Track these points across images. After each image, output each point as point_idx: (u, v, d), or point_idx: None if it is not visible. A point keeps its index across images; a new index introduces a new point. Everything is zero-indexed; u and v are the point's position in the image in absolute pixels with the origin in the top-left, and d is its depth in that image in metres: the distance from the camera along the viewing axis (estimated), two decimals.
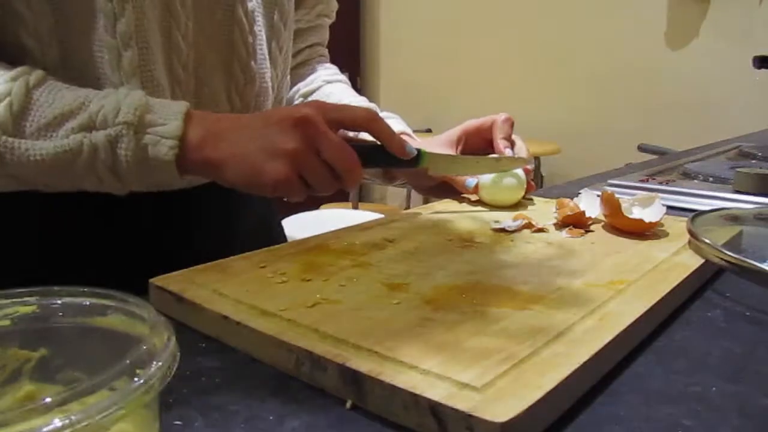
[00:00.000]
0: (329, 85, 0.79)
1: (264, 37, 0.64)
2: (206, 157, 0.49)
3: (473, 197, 0.75)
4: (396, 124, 0.76)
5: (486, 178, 0.70)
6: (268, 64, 0.65)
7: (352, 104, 0.76)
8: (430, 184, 0.75)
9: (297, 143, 0.48)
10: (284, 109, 0.50)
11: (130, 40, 0.52)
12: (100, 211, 0.58)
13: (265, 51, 0.65)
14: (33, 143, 0.47)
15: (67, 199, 0.56)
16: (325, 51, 0.86)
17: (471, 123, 0.75)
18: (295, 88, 0.80)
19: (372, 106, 0.78)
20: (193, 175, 0.51)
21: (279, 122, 0.49)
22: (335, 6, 0.82)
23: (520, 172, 0.71)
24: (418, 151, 0.57)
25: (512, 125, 0.74)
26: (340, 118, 0.51)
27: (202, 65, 0.60)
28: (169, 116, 0.48)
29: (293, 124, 0.49)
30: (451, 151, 0.74)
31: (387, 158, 0.56)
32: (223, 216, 0.68)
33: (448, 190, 0.75)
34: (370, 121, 0.53)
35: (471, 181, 0.72)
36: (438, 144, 0.74)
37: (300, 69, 0.81)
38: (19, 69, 0.48)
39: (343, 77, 0.84)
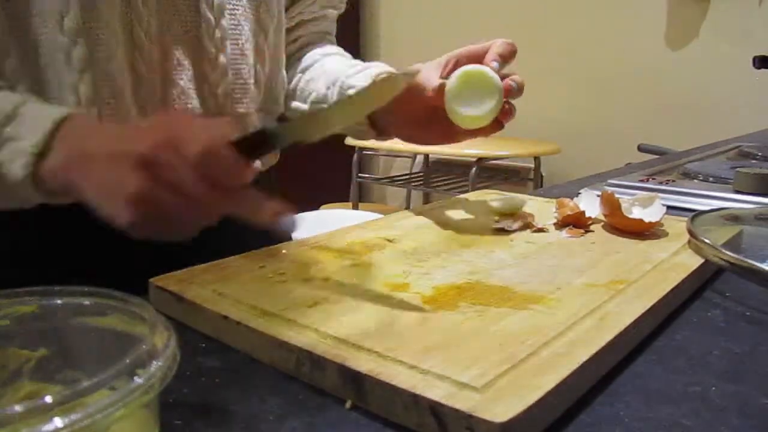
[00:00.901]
0: (326, 58, 0.76)
1: (244, 33, 0.64)
2: (65, 180, 0.44)
3: (473, 198, 0.75)
4: (380, 66, 0.71)
5: (452, 84, 0.60)
6: (250, 59, 0.65)
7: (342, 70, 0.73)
8: (418, 115, 0.68)
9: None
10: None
11: (77, 37, 0.53)
12: None
13: (244, 46, 0.64)
14: None
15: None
16: (333, 39, 0.82)
17: (467, 47, 0.67)
18: (293, 70, 0.78)
19: (375, 63, 0.75)
20: (53, 192, 0.46)
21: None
22: None
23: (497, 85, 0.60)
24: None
25: (514, 53, 0.65)
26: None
27: (168, 61, 0.60)
28: (33, 129, 0.45)
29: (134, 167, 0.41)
30: (437, 72, 0.66)
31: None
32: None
33: (436, 132, 0.68)
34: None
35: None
36: (427, 68, 0.67)
37: (299, 53, 0.80)
38: None
39: (340, 50, 0.80)
